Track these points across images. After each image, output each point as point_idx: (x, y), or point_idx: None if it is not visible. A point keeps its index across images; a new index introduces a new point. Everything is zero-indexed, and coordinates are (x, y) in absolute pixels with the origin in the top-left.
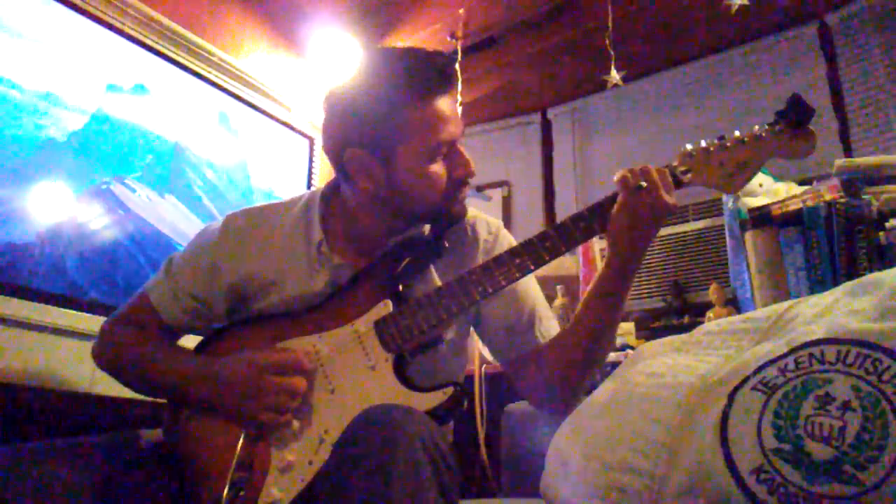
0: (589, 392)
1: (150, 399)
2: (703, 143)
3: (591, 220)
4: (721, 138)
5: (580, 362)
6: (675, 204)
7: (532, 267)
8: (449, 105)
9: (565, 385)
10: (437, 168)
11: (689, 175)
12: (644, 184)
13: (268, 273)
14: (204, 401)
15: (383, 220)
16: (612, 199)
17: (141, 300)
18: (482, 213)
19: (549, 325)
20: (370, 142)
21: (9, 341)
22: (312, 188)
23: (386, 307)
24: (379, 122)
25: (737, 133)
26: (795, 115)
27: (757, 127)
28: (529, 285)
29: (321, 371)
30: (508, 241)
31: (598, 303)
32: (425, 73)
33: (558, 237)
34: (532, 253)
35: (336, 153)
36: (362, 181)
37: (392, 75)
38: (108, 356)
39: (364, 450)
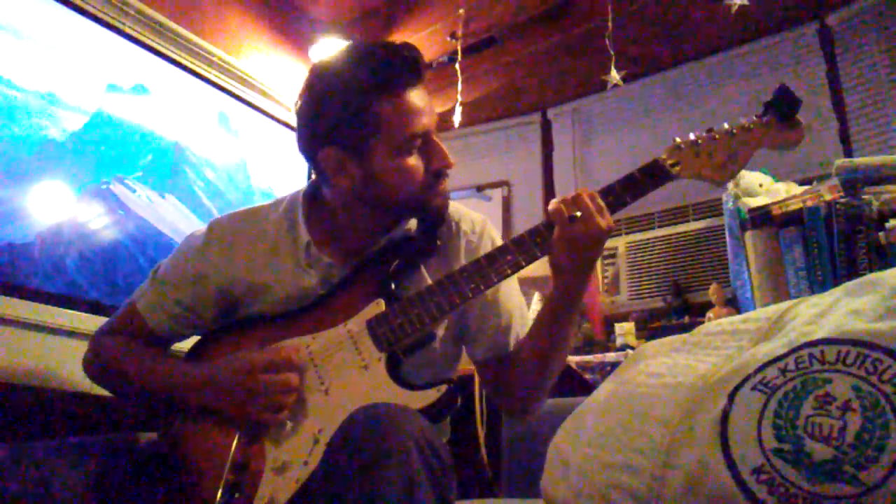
0: (543, 398)
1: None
2: (691, 136)
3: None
4: (709, 130)
5: (532, 376)
6: (611, 226)
7: (524, 264)
8: (421, 97)
9: (520, 392)
10: (413, 161)
11: (677, 168)
12: (578, 213)
13: (255, 277)
14: (198, 405)
15: (366, 217)
16: (604, 191)
17: (129, 309)
18: (467, 210)
19: (523, 333)
20: (343, 139)
21: (9, 341)
22: (294, 189)
23: (378, 306)
24: (350, 119)
25: (725, 125)
26: (783, 106)
27: (745, 118)
28: (511, 288)
29: (315, 371)
30: (493, 238)
31: (546, 327)
32: (393, 66)
33: (549, 232)
34: (524, 250)
35: (311, 153)
36: (340, 179)
37: (360, 70)
38: (99, 367)
39: (357, 449)
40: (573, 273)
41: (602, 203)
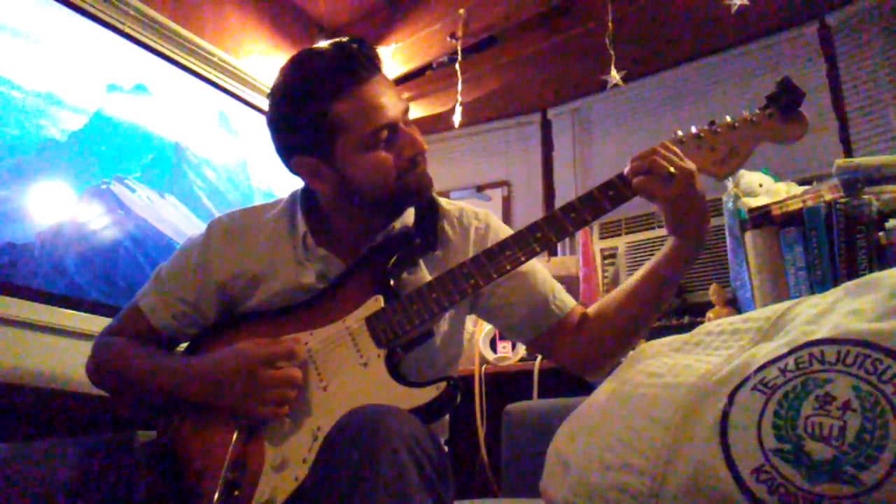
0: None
1: None
2: (693, 129)
3: (582, 211)
4: (712, 123)
5: (627, 330)
6: (693, 163)
7: (523, 259)
8: (377, 89)
9: (605, 350)
10: (382, 154)
11: None
12: (672, 169)
13: (255, 268)
14: (201, 400)
15: (357, 215)
16: (603, 187)
17: (132, 310)
18: (468, 205)
19: (563, 298)
20: (310, 147)
21: (9, 341)
22: (293, 190)
23: (377, 303)
24: (310, 127)
25: (728, 118)
26: (786, 99)
27: (747, 111)
28: (534, 266)
29: (313, 368)
30: (499, 226)
31: (656, 280)
32: (340, 66)
33: (549, 228)
34: (522, 245)
35: (287, 163)
36: (318, 184)
37: (308, 78)
38: (100, 367)
39: (348, 449)
40: (697, 230)
41: (674, 147)
